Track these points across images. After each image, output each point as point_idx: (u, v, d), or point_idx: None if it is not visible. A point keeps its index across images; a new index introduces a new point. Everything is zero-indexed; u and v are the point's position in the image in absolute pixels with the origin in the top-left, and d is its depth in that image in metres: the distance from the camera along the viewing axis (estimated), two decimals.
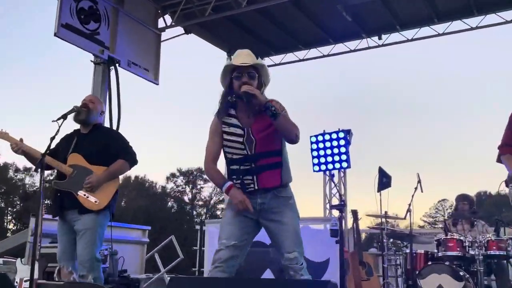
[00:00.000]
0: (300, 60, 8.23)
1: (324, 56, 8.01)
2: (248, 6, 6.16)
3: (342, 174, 6.90)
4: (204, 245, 5.86)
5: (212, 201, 46.55)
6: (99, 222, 3.20)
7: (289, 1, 6.27)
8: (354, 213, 5.02)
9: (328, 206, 6.84)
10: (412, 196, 4.79)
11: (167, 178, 44.02)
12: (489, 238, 4.36)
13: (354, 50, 7.76)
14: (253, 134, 2.54)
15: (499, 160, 2.89)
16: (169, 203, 44.12)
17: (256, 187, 2.51)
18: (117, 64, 5.70)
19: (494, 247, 4.28)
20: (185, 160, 41.85)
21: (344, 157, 6.56)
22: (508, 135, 2.85)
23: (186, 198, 45.49)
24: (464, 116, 53.59)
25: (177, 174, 44.59)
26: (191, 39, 6.97)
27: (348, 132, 6.64)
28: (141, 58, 6.03)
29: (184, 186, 45.59)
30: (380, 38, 7.42)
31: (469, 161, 48.89)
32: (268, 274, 5.27)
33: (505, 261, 4.54)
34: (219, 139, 2.59)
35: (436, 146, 52.74)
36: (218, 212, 44.73)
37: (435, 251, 4.72)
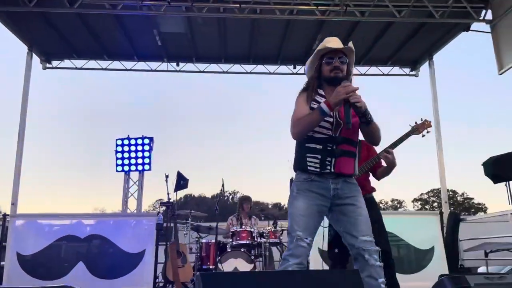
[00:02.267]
0: (102, 69, 8.61)
1: (126, 69, 8.68)
2: (72, 8, 6.36)
3: (142, 175, 7.71)
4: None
5: None
6: None
7: (114, 15, 6.84)
8: (172, 208, 5.90)
9: (136, 202, 7.50)
10: (219, 197, 6.02)
11: None
12: (270, 229, 6.05)
13: (155, 70, 8.78)
14: (340, 118, 2.51)
15: None
16: None
17: (332, 170, 2.49)
18: None
19: (273, 236, 5.95)
20: None
21: (146, 160, 7.44)
22: None
23: None
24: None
25: None
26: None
27: (151, 139, 7.57)
28: None
29: None
30: (178, 65, 8.73)
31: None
32: (81, 266, 5.55)
33: (274, 247, 6.32)
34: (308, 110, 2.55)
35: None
36: None
37: (227, 240, 6.13)
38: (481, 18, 6.26)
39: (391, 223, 5.91)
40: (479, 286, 1.85)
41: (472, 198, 48.77)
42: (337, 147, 2.51)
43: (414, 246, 5.89)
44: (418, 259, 5.83)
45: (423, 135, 3.51)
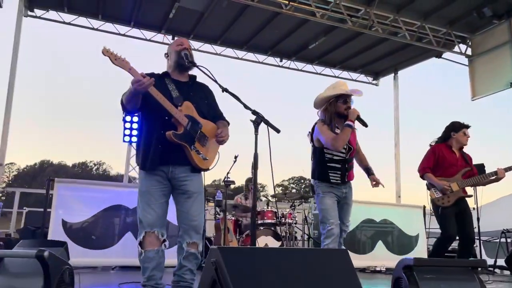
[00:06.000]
0: (92, 28, 7.88)
1: (119, 34, 8.11)
2: None
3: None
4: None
5: None
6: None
7: None
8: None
9: None
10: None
11: None
12: (287, 212, 6.52)
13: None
14: (351, 144, 3.64)
15: (423, 177, 4.31)
16: None
17: (346, 180, 3.64)
18: None
19: (291, 218, 6.39)
20: None
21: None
22: (429, 161, 4.30)
23: None
24: None
25: None
26: None
27: None
28: None
29: None
30: (173, 38, 8.49)
31: None
32: (129, 236, 5.35)
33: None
34: None
35: None
36: None
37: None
38: (463, 52, 7.86)
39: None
40: None
41: None
42: (348, 165, 3.62)
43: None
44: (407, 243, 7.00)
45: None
